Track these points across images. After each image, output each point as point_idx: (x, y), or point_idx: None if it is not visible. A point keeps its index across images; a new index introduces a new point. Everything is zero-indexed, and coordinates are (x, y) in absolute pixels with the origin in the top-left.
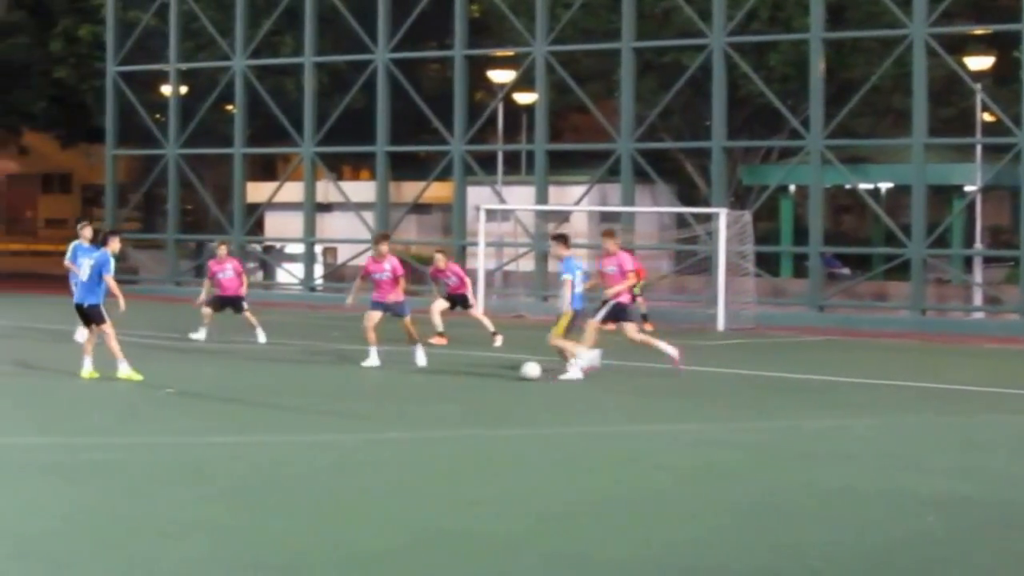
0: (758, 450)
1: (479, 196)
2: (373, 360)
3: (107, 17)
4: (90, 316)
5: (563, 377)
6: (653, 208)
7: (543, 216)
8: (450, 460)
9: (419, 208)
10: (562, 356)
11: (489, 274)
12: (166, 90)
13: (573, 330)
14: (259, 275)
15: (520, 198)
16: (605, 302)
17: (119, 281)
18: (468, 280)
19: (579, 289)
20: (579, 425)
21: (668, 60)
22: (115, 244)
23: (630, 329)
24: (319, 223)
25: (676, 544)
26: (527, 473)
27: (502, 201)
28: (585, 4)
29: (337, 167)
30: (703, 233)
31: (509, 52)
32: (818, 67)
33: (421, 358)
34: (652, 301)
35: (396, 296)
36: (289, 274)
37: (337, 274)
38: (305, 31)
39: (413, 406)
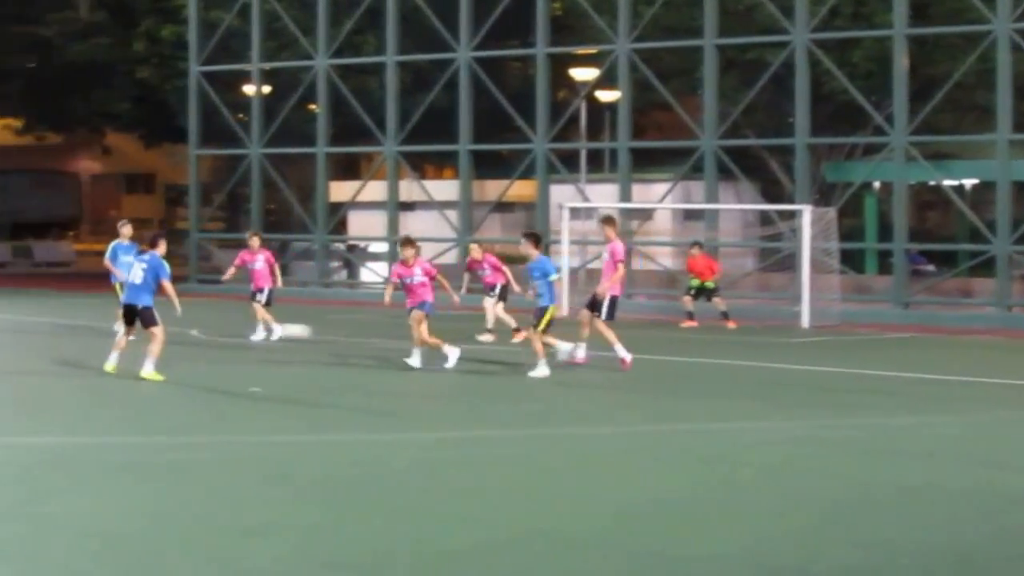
0: (842, 447)
1: (562, 194)
2: (452, 360)
3: (189, 17)
4: (143, 318)
5: (532, 374)
6: (736, 205)
7: (627, 214)
8: (530, 459)
9: (502, 206)
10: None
11: (573, 272)
12: (248, 90)
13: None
14: (343, 274)
15: (603, 196)
16: (595, 297)
17: (205, 281)
18: (507, 271)
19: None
20: (661, 423)
21: (751, 57)
22: (162, 247)
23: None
24: (402, 222)
25: (761, 542)
26: (609, 471)
27: (585, 199)
28: (668, 1)
29: (420, 166)
30: (787, 230)
31: (591, 50)
32: (901, 63)
33: (451, 359)
34: (737, 299)
35: (430, 297)
36: (373, 273)
37: None
38: (387, 30)
39: (493, 405)
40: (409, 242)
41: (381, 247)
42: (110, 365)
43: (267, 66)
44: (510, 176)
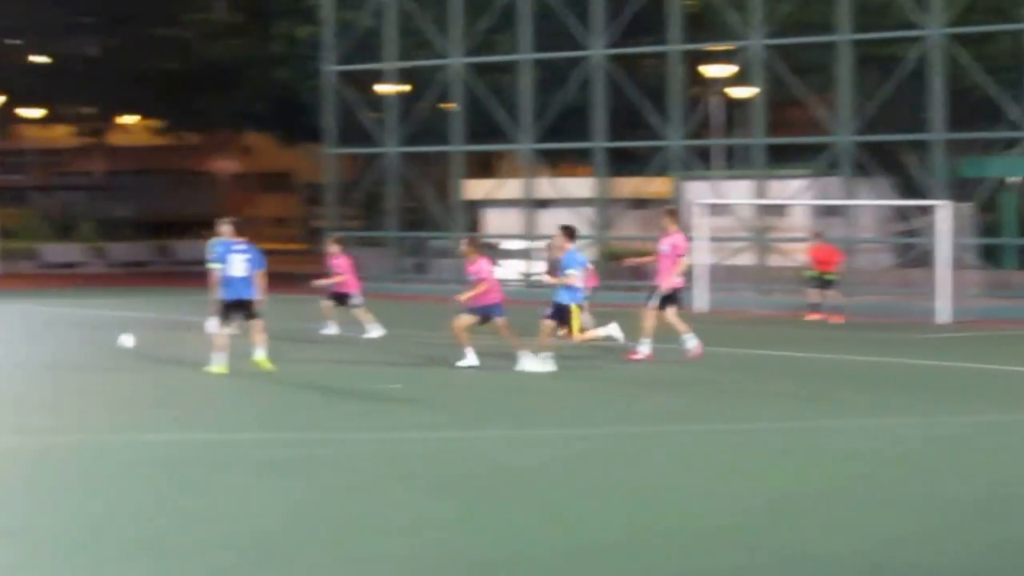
0: (981, 444)
1: (697, 191)
2: (538, 364)
3: (325, 18)
4: (251, 310)
5: (519, 368)
6: (872, 201)
7: (762, 210)
8: (666, 455)
9: (637, 203)
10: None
11: (708, 269)
12: (384, 89)
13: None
14: None
15: (738, 192)
16: (655, 288)
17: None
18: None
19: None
20: (795, 419)
21: (886, 52)
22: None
23: (670, 313)
24: (538, 219)
25: (897, 539)
26: (743, 468)
27: (720, 196)
28: None
29: (555, 163)
30: (923, 226)
31: (726, 46)
32: None
33: (469, 359)
34: (874, 295)
35: (494, 298)
36: (509, 270)
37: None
38: (521, 28)
39: (629, 403)
40: (469, 241)
41: (517, 244)
42: (220, 366)
43: (403, 65)
44: (645, 173)
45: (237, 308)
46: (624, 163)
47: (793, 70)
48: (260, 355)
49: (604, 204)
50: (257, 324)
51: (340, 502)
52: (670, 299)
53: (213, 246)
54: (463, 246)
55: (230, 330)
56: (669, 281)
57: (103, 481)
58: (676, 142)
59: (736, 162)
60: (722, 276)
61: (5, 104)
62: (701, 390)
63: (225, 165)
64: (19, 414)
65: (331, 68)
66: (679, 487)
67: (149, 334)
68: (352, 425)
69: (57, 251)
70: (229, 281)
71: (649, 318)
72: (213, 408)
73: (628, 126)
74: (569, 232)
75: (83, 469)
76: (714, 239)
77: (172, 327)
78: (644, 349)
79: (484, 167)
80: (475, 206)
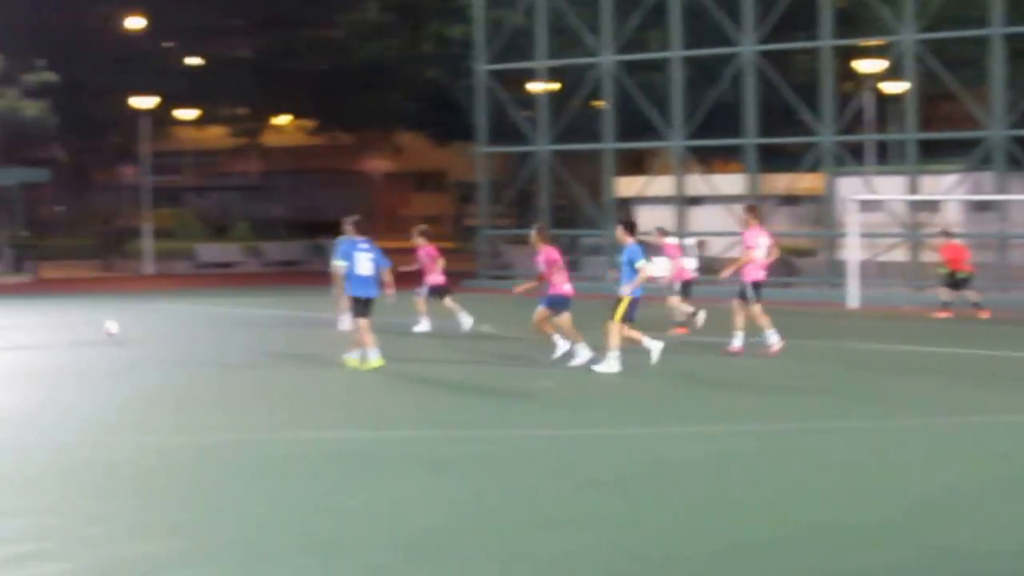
0: None
1: (849, 187)
2: (578, 357)
3: (475, 17)
4: (370, 308)
5: (598, 369)
6: None
7: (915, 206)
8: (820, 452)
9: (789, 200)
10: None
11: (861, 265)
12: (535, 87)
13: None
14: None
15: (891, 188)
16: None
17: (495, 278)
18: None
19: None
20: (949, 415)
21: None
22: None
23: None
24: (689, 216)
25: None
26: (899, 463)
27: (872, 191)
28: None
29: (706, 160)
30: None
31: (877, 41)
32: None
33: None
34: None
35: (555, 288)
36: (659, 268)
37: (708, 267)
38: (672, 25)
39: (782, 398)
40: (537, 229)
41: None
42: (375, 360)
43: (553, 64)
44: (797, 169)
45: (368, 305)
46: (775, 159)
47: (945, 64)
48: (369, 355)
49: (755, 201)
50: (367, 323)
51: (496, 497)
52: (750, 293)
53: (338, 244)
54: (532, 235)
55: (364, 326)
56: (750, 275)
57: (267, 478)
58: (828, 138)
59: (888, 158)
60: (873, 272)
61: (160, 106)
62: (840, 388)
63: (377, 164)
64: (183, 413)
65: (482, 67)
66: (830, 484)
67: (303, 332)
68: (514, 423)
69: (212, 251)
70: (355, 279)
71: (738, 312)
72: (373, 405)
73: (779, 122)
74: (628, 227)
75: (247, 466)
76: (866, 235)
77: (324, 325)
78: (736, 343)
79: (636, 164)
80: (626, 203)
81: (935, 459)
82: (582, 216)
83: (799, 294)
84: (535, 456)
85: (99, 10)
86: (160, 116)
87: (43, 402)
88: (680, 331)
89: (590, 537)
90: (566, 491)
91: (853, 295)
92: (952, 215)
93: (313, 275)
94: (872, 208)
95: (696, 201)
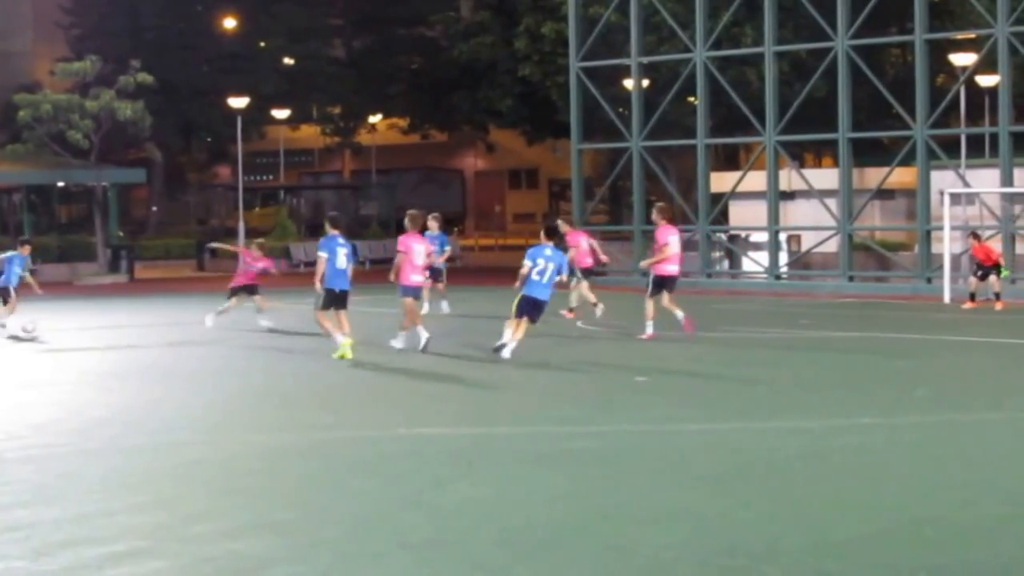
0: None
1: (943, 180)
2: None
3: (569, 14)
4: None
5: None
6: None
7: (1009, 199)
8: (918, 446)
9: (882, 193)
10: None
11: (955, 258)
12: (628, 83)
13: None
14: (724, 264)
15: (985, 181)
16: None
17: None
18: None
19: (544, 280)
20: None
21: None
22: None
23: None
24: (783, 211)
25: None
26: (999, 458)
27: (966, 185)
28: None
29: (799, 155)
30: None
31: (971, 34)
32: None
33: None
34: None
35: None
36: (754, 263)
37: (802, 261)
38: (765, 20)
39: (877, 391)
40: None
41: (761, 236)
42: (345, 348)
43: (646, 60)
44: (890, 163)
45: (341, 297)
46: (869, 153)
47: None
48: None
49: (849, 195)
50: (344, 314)
51: (596, 493)
52: (662, 285)
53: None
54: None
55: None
56: (660, 269)
57: (369, 475)
58: (921, 131)
59: (983, 151)
60: (969, 265)
61: (255, 106)
62: (937, 381)
63: (471, 162)
64: (287, 410)
65: (576, 64)
66: (933, 479)
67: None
68: (614, 418)
69: (307, 250)
70: (334, 272)
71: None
72: (471, 402)
73: (872, 117)
74: (548, 231)
75: (350, 464)
76: (960, 228)
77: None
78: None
79: (729, 159)
80: (721, 198)
81: None
82: (676, 211)
83: (893, 288)
84: (631, 451)
85: (195, 11)
86: (254, 116)
87: (152, 401)
88: (570, 315)
89: (686, 531)
90: (663, 486)
91: (945, 288)
92: None
93: None
94: (966, 201)
95: (789, 196)
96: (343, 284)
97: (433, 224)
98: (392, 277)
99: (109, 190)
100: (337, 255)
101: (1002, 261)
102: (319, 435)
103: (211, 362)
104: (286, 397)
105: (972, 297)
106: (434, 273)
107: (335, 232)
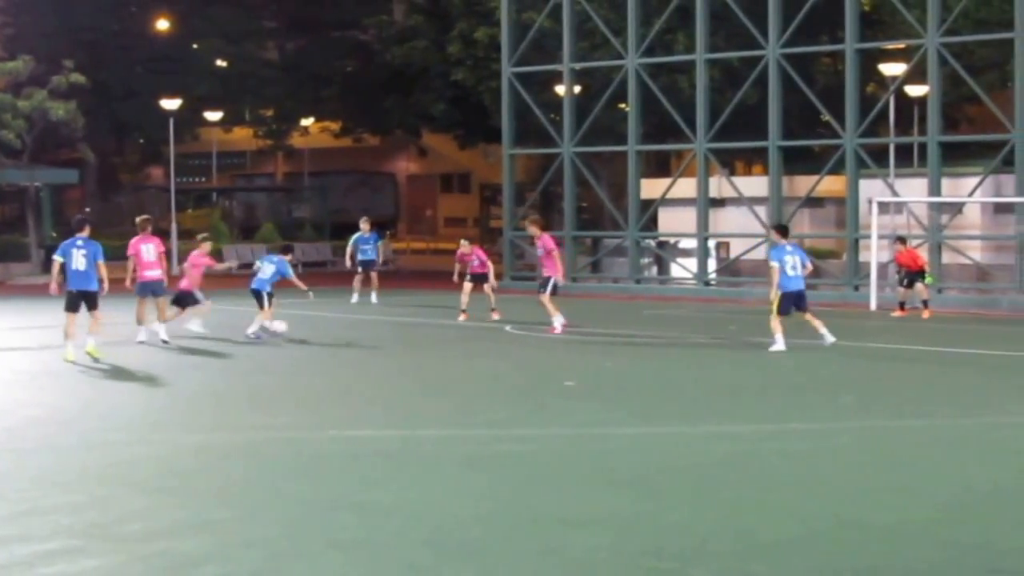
0: None
1: (871, 189)
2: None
3: (502, 19)
4: (94, 301)
5: (771, 349)
6: None
7: (937, 208)
8: (844, 452)
9: (812, 202)
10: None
11: (882, 267)
12: (561, 89)
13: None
14: (654, 270)
15: (913, 190)
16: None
17: (519, 279)
18: (489, 263)
19: (797, 272)
20: (974, 415)
21: None
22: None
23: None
24: (712, 218)
25: None
26: (925, 463)
27: (895, 194)
28: None
29: (730, 162)
30: None
31: (901, 45)
32: None
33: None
34: None
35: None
36: (683, 269)
37: (731, 268)
38: (697, 28)
39: (805, 397)
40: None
41: (691, 243)
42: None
43: (579, 66)
44: (819, 171)
45: (80, 298)
46: (799, 162)
47: (969, 68)
48: (92, 344)
49: (778, 203)
50: (97, 315)
51: (525, 496)
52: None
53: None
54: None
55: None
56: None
57: (300, 476)
58: (851, 140)
59: (912, 160)
60: (893, 274)
61: (188, 108)
62: (862, 387)
63: (404, 166)
64: (220, 412)
65: (508, 69)
66: (859, 483)
67: (330, 332)
68: (544, 421)
69: (239, 252)
70: (73, 273)
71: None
72: (403, 404)
73: (802, 125)
74: (782, 229)
75: (282, 464)
76: (887, 237)
77: (352, 326)
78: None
79: (660, 166)
80: (650, 205)
81: (960, 458)
82: (606, 218)
83: (821, 295)
84: (561, 455)
85: (129, 12)
86: (187, 118)
87: (85, 401)
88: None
89: (613, 535)
90: (591, 489)
91: (871, 295)
92: (974, 218)
93: (339, 276)
94: (893, 210)
95: (719, 203)
96: (81, 285)
97: (364, 226)
98: (128, 282)
99: (42, 190)
100: (72, 256)
101: (927, 268)
102: (252, 435)
103: (145, 362)
104: (220, 397)
105: (902, 306)
106: (367, 265)
107: (81, 233)
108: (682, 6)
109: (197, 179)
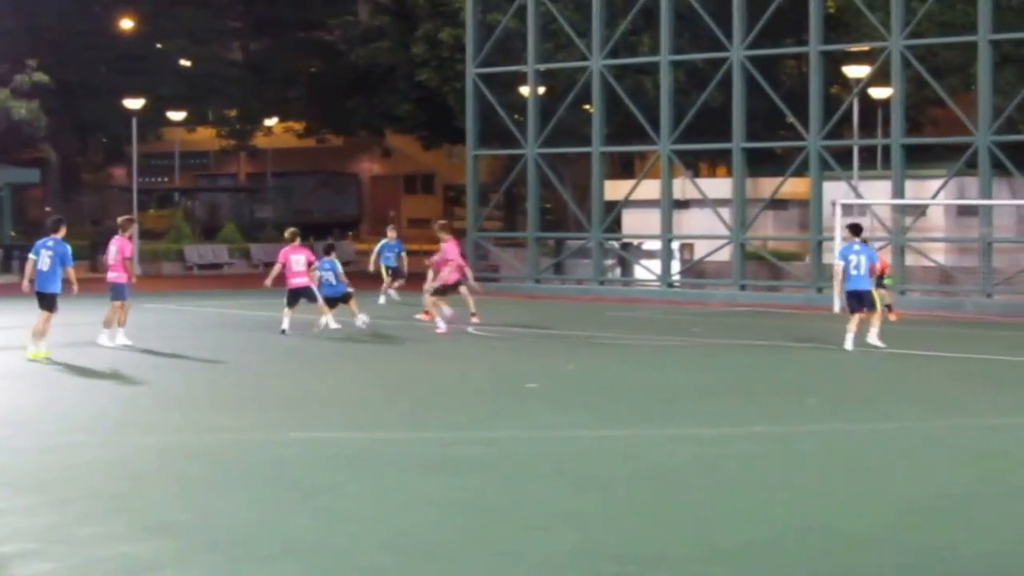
0: None
1: (835, 191)
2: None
3: (467, 20)
4: (53, 302)
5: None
6: (1010, 201)
7: (900, 210)
8: (809, 455)
9: (776, 204)
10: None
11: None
12: (525, 91)
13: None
14: (617, 272)
15: (876, 192)
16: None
17: (482, 279)
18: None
19: (860, 272)
20: (939, 418)
21: None
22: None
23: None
24: (676, 219)
25: None
26: (891, 467)
27: (858, 196)
28: None
29: (694, 164)
30: None
31: (864, 47)
32: None
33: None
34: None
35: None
36: (647, 271)
37: (695, 270)
38: (661, 30)
39: (771, 400)
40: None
41: (655, 245)
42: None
43: (543, 67)
44: (783, 173)
45: (41, 299)
46: (763, 164)
47: (932, 70)
48: (33, 350)
49: (742, 204)
50: (48, 317)
51: (487, 499)
52: (449, 288)
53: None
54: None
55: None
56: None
57: (260, 479)
58: (815, 142)
59: (875, 162)
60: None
61: (151, 108)
62: (826, 391)
63: (368, 167)
64: (181, 413)
65: (473, 70)
66: (823, 487)
67: (292, 333)
68: (504, 424)
69: (201, 252)
70: (37, 273)
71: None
72: (365, 406)
73: (767, 127)
74: (853, 229)
75: (242, 467)
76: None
77: (313, 326)
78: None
79: (624, 168)
80: (614, 207)
81: (924, 462)
82: (570, 219)
83: (785, 298)
84: (522, 457)
85: (94, 11)
86: (151, 118)
87: (43, 403)
88: (426, 317)
89: (576, 537)
90: (552, 492)
91: (835, 298)
92: (937, 220)
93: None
94: (857, 212)
95: (683, 205)
96: (43, 286)
97: (392, 234)
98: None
99: (3, 190)
100: (40, 256)
101: (888, 271)
102: (212, 438)
103: (103, 364)
104: (180, 400)
105: (889, 308)
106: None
107: (56, 234)
108: (647, 8)
109: (160, 179)
